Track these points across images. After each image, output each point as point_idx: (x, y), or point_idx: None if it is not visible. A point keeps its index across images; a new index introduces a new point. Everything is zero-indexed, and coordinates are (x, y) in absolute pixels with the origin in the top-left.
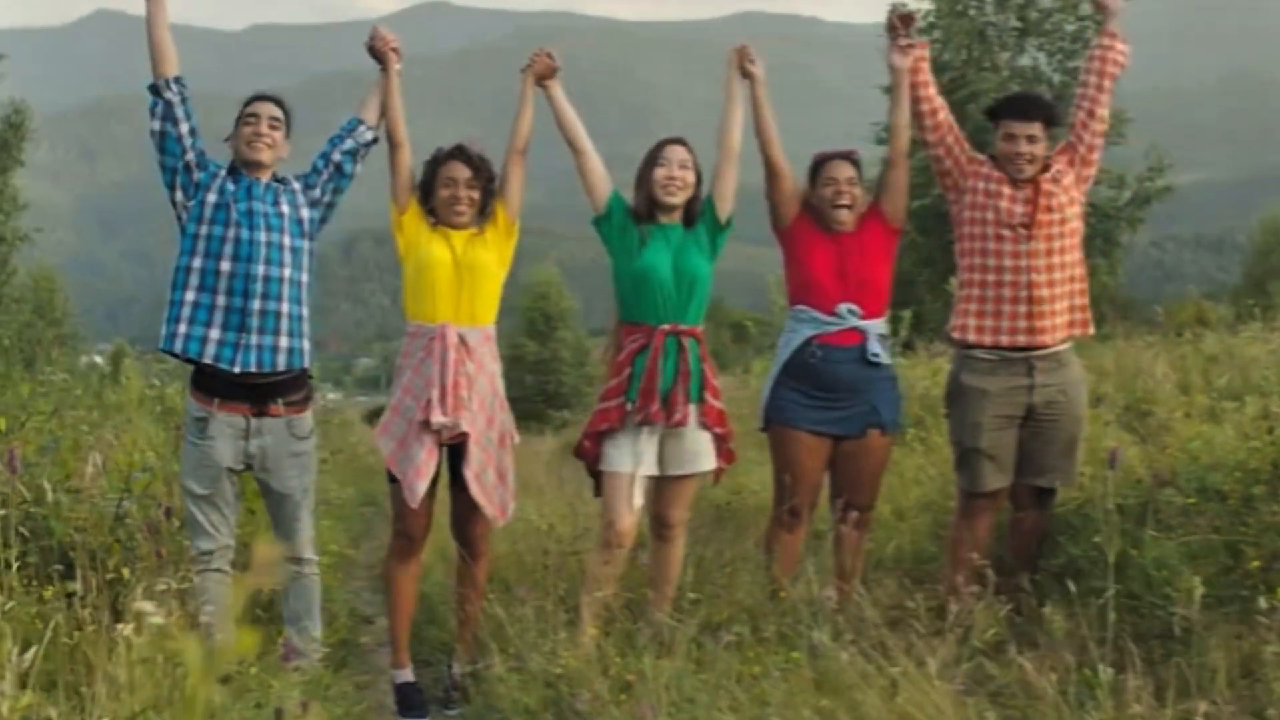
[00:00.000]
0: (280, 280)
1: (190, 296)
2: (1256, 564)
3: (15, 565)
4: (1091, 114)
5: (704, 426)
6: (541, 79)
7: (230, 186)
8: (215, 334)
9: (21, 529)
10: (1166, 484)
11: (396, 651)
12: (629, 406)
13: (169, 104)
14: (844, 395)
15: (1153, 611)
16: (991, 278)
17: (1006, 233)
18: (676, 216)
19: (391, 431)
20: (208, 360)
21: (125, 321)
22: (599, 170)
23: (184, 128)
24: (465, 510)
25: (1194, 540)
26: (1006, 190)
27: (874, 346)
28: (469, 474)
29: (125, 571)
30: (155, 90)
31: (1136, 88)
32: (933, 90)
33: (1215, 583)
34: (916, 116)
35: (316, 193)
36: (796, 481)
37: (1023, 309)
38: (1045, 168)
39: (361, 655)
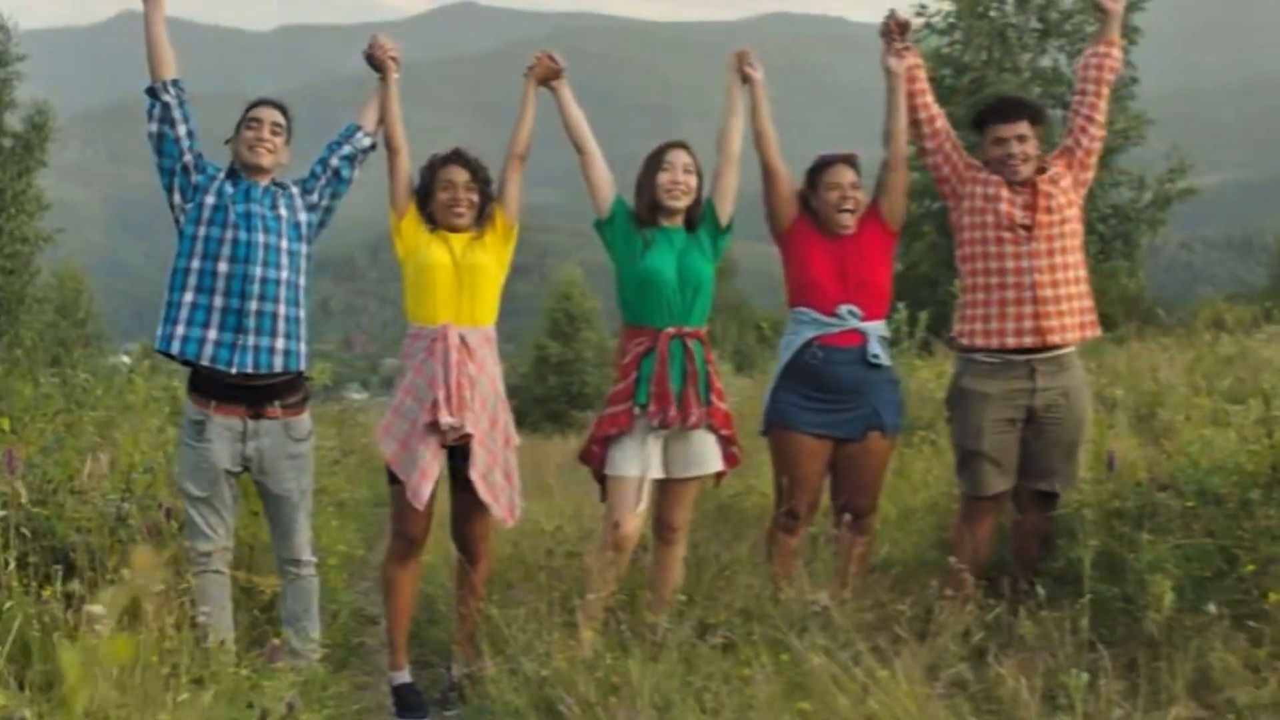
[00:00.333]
0: (277, 282)
1: (188, 298)
2: (1251, 568)
3: (14, 565)
4: (1090, 119)
5: (710, 428)
6: (546, 81)
7: (229, 189)
8: (213, 335)
9: (23, 529)
10: (1165, 487)
11: (394, 653)
12: (637, 410)
13: (166, 106)
14: (845, 397)
15: (1147, 615)
16: (995, 280)
17: (1008, 235)
18: (678, 220)
19: (393, 433)
20: (205, 361)
21: (151, 322)
22: (603, 173)
23: (181, 130)
24: (466, 512)
25: (1189, 544)
26: (1005, 193)
27: (874, 348)
28: (475, 475)
29: (125, 572)
30: (153, 93)
31: (1161, 89)
32: (930, 98)
33: (1210, 587)
34: (914, 124)
35: (314, 197)
36: (797, 484)
37: (1028, 310)
38: (1042, 169)
39: (365, 656)
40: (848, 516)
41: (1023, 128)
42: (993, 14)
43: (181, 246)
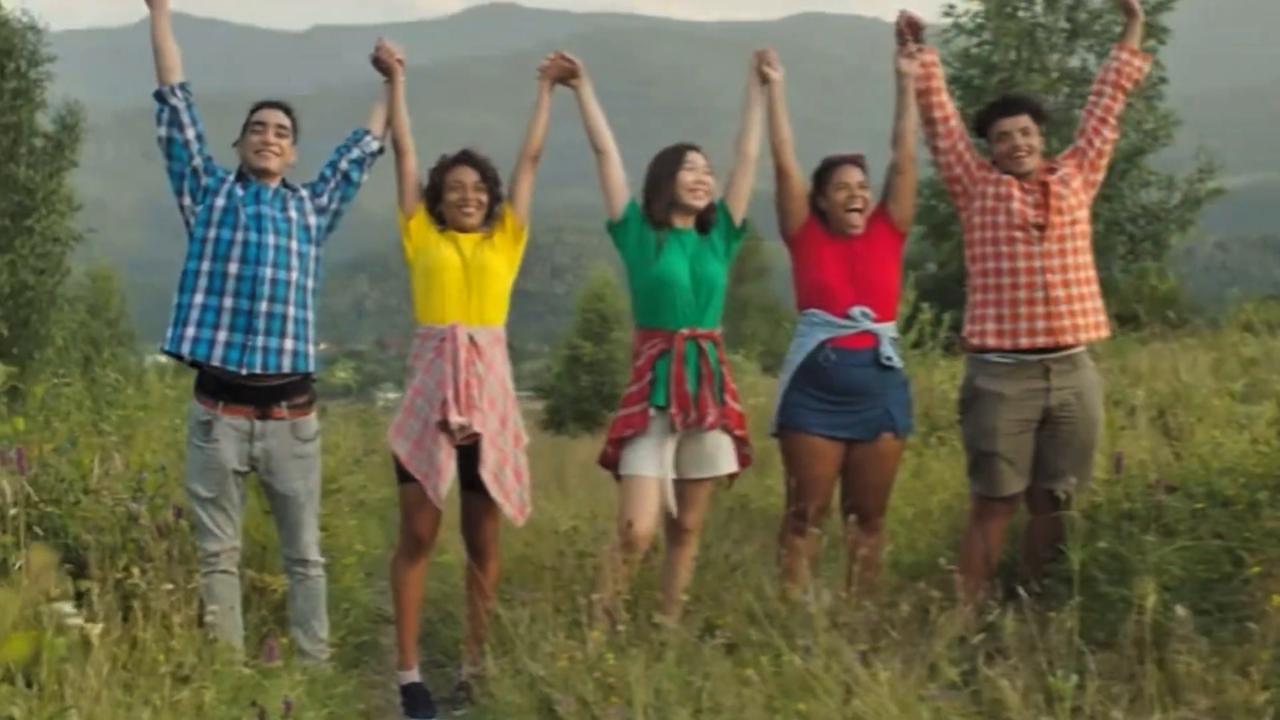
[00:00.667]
0: (287, 284)
1: (199, 299)
2: (1256, 570)
3: (22, 565)
4: (1104, 120)
5: (724, 429)
6: (564, 80)
7: (239, 191)
8: (223, 336)
9: (37, 528)
10: (1175, 489)
11: (403, 652)
12: (653, 412)
13: (175, 110)
14: (857, 399)
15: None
16: (1007, 280)
17: (1019, 235)
18: (690, 222)
19: (406, 433)
20: (215, 362)
21: None
22: (619, 175)
23: (190, 133)
24: (477, 511)
25: (1195, 546)
26: (1017, 193)
27: (887, 350)
28: (485, 474)
29: (135, 571)
30: (161, 97)
31: (1192, 88)
32: (945, 96)
33: (1216, 588)
34: (929, 123)
35: (324, 200)
36: (808, 486)
37: (1040, 310)
38: (1052, 169)
39: (380, 655)
40: (853, 518)
41: (1025, 120)
42: (1021, 14)
43: (191, 249)
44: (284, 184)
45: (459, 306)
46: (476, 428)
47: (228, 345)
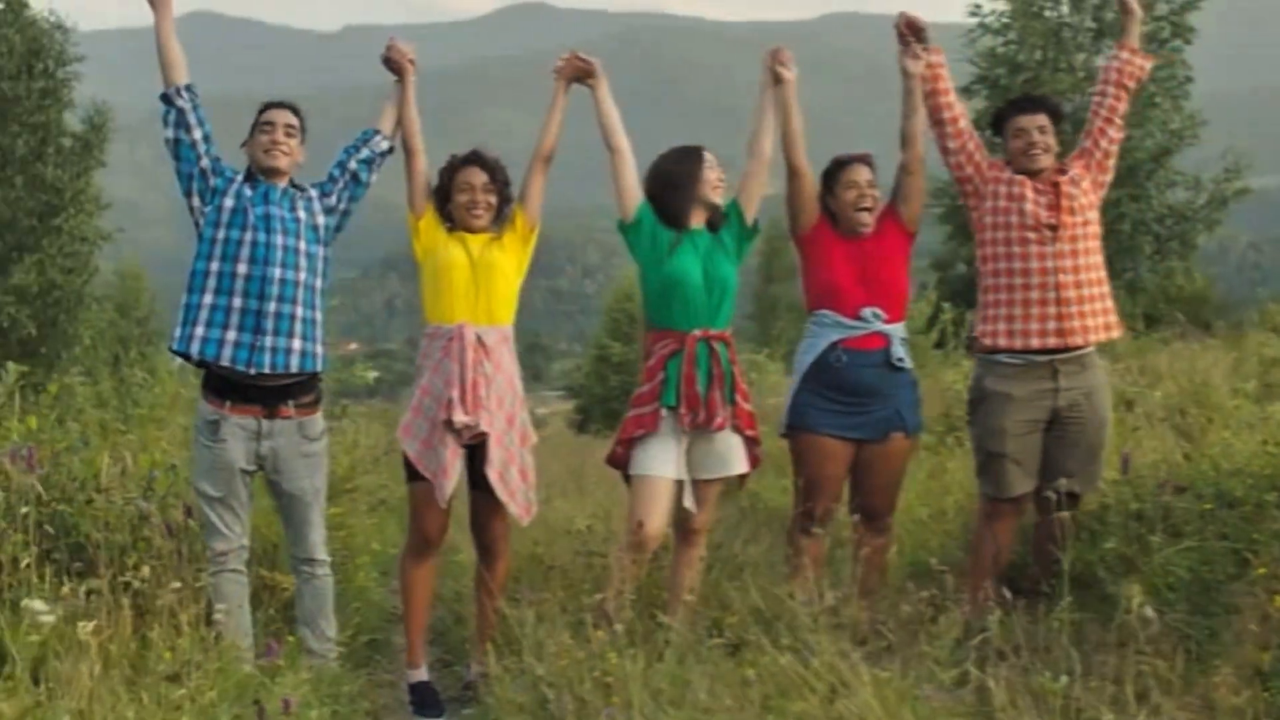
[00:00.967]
0: (295, 284)
1: (208, 299)
2: (1262, 571)
3: (31, 562)
4: (1109, 121)
5: (735, 429)
6: (579, 81)
7: (247, 191)
8: (231, 335)
9: (48, 527)
10: (1184, 490)
11: (411, 651)
12: (664, 412)
13: (181, 111)
14: (868, 399)
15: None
16: (1019, 280)
17: (1032, 235)
18: (703, 222)
19: (414, 432)
20: (224, 362)
21: None
22: (632, 175)
23: (197, 134)
24: (485, 511)
25: (1199, 547)
26: (1030, 193)
27: (898, 351)
28: (491, 473)
29: (145, 570)
30: (167, 99)
31: (1217, 89)
32: (953, 96)
33: (1222, 590)
34: (938, 123)
35: (333, 200)
36: (818, 486)
37: (1051, 310)
38: (1063, 170)
39: (391, 654)
40: (857, 517)
41: (1042, 119)
42: (1047, 14)
43: (200, 249)
44: (292, 184)
45: (467, 306)
46: (483, 427)
47: (236, 345)
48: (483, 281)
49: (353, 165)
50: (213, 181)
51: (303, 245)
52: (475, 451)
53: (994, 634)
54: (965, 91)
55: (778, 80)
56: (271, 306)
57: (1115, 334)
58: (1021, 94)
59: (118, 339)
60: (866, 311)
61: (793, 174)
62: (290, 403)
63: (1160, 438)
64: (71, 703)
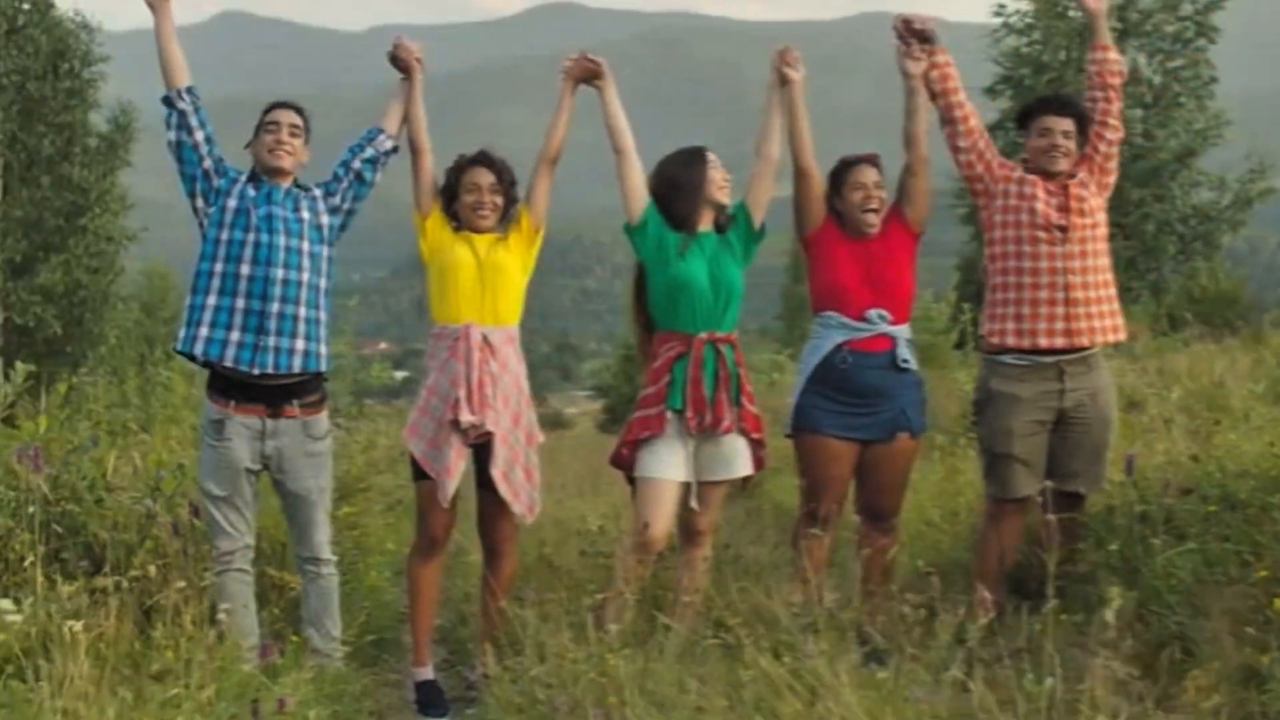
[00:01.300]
0: (298, 284)
1: (211, 300)
2: (1263, 574)
3: (36, 561)
4: (1104, 124)
5: (741, 432)
6: (586, 82)
7: (251, 192)
8: (235, 336)
9: (57, 526)
10: (1189, 491)
11: (417, 650)
12: (670, 414)
13: (183, 114)
14: (874, 400)
15: (1160, 621)
16: (1028, 280)
17: (1042, 235)
18: (710, 224)
19: (421, 432)
20: (228, 363)
21: None
22: (638, 178)
23: (199, 135)
24: (491, 510)
25: (1201, 549)
26: (1041, 194)
27: (904, 352)
28: (496, 472)
29: (151, 569)
30: (168, 102)
31: (1242, 88)
32: (963, 95)
33: (1224, 592)
34: (949, 122)
35: (337, 200)
36: (824, 487)
37: (1060, 310)
38: (1071, 173)
39: (401, 653)
40: (860, 519)
41: (1069, 124)
42: (1072, 14)
43: (204, 249)
44: (296, 183)
45: (473, 306)
46: (489, 426)
47: (240, 346)
48: (489, 282)
49: (357, 164)
50: (216, 182)
51: (306, 245)
52: (481, 451)
53: (983, 636)
54: (990, 92)
55: (785, 80)
56: (274, 307)
57: (1121, 336)
58: (1055, 92)
59: (144, 338)
60: (871, 313)
61: (800, 175)
62: (295, 402)
63: (1172, 439)
64: (61, 701)
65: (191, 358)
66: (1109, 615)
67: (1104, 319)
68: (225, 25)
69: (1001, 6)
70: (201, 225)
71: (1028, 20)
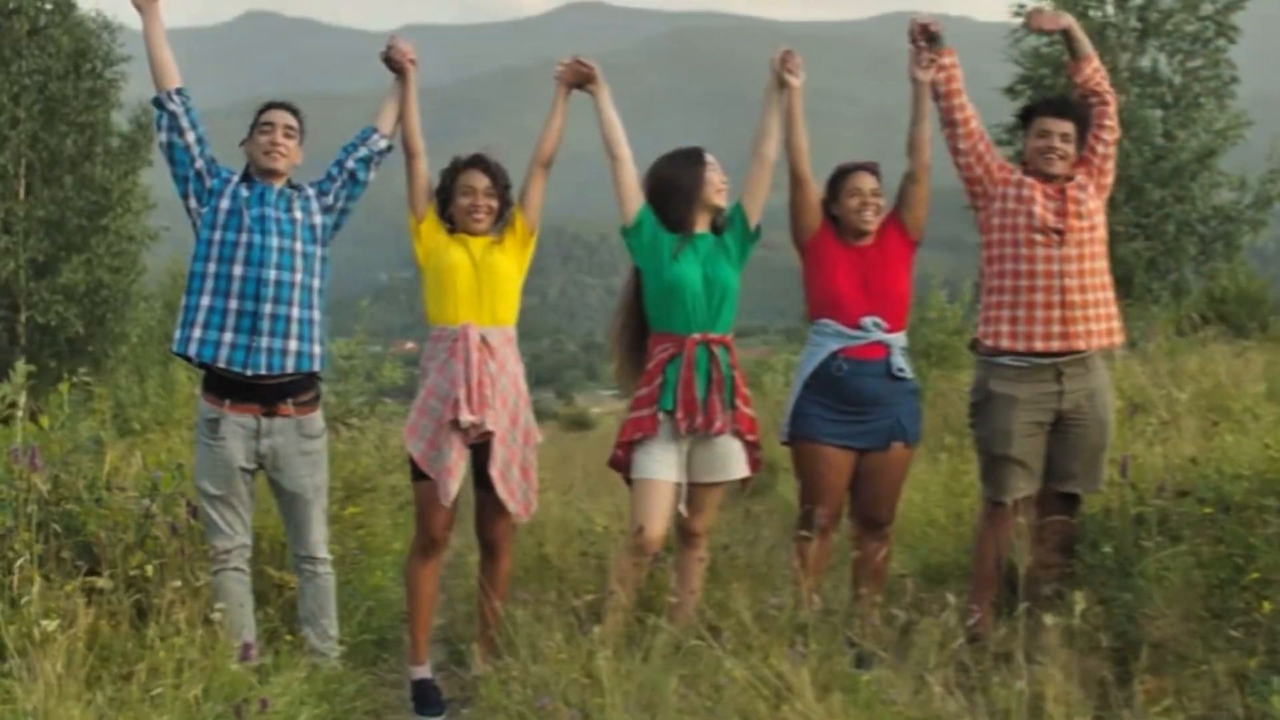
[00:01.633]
0: (291, 285)
1: (205, 301)
2: (1256, 575)
3: (33, 560)
4: (1102, 125)
5: (735, 434)
6: (579, 87)
7: (244, 192)
8: (228, 337)
9: (55, 525)
10: (1186, 494)
11: (415, 649)
12: (662, 416)
13: (173, 115)
14: (869, 408)
15: (1152, 622)
16: (1024, 283)
17: (1039, 238)
18: (707, 225)
19: (420, 432)
20: (221, 364)
21: None
22: (633, 181)
23: (190, 136)
24: (489, 509)
25: (1193, 552)
26: (1039, 197)
27: (898, 361)
28: (494, 472)
29: (149, 569)
30: (159, 104)
31: (1263, 89)
32: (965, 99)
33: (1215, 594)
34: (950, 124)
35: (330, 199)
36: (820, 494)
37: (1056, 314)
38: (1070, 176)
39: (401, 653)
40: (853, 525)
41: (1068, 127)
42: (1092, 14)
43: (197, 250)
44: (289, 184)
45: (470, 307)
46: (489, 426)
47: (233, 346)
48: (485, 283)
49: (350, 164)
50: (208, 183)
51: (299, 246)
52: (479, 451)
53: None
54: (1009, 92)
55: (783, 85)
56: (267, 308)
57: (1118, 340)
58: (1056, 95)
59: (166, 337)
60: (867, 320)
61: (796, 182)
62: (289, 401)
63: (1174, 441)
64: (31, 700)
65: (187, 358)
66: (1075, 619)
67: (1100, 322)
68: (249, 25)
69: (1021, 6)
70: (195, 226)
71: None
